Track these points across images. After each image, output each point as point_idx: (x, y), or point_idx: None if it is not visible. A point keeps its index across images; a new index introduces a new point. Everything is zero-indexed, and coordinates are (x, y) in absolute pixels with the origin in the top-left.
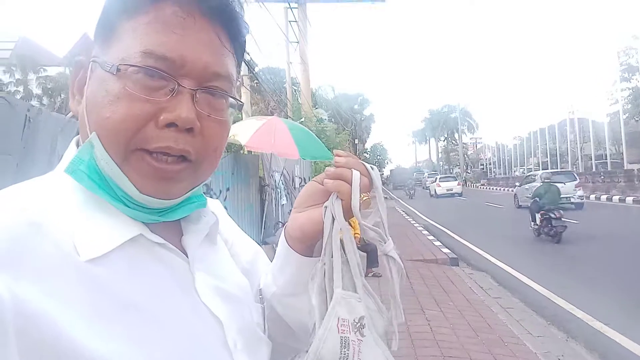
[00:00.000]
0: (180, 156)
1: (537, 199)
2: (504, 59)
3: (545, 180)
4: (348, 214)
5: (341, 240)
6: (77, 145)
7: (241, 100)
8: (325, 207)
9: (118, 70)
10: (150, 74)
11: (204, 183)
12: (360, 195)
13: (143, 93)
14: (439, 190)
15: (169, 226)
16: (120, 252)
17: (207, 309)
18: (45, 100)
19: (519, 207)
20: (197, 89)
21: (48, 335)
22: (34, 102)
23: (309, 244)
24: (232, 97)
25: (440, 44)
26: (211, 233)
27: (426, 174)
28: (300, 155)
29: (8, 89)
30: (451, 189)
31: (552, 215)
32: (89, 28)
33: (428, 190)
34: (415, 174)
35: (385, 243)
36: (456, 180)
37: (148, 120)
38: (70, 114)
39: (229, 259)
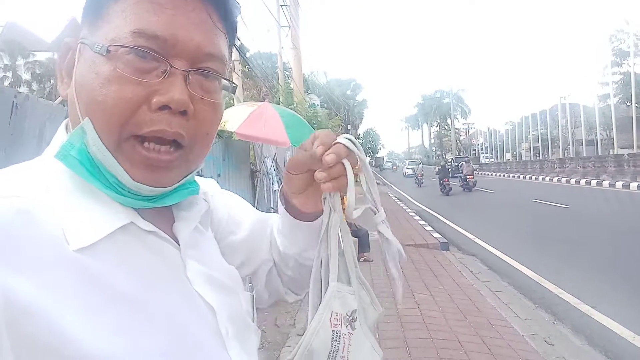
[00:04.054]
0: (173, 141)
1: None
2: (496, 44)
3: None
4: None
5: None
6: (67, 129)
7: (234, 82)
8: (324, 198)
9: (108, 51)
10: (141, 54)
11: (197, 170)
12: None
13: (134, 75)
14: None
15: (161, 212)
16: (111, 240)
17: (199, 296)
18: (34, 86)
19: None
20: (190, 70)
21: (40, 328)
22: (23, 88)
23: (313, 213)
24: (225, 78)
25: (433, 29)
26: (202, 221)
27: (391, 160)
28: (291, 142)
29: None
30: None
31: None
32: (77, 12)
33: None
34: (387, 159)
35: (376, 213)
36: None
37: (141, 103)
38: (58, 100)
39: (218, 248)
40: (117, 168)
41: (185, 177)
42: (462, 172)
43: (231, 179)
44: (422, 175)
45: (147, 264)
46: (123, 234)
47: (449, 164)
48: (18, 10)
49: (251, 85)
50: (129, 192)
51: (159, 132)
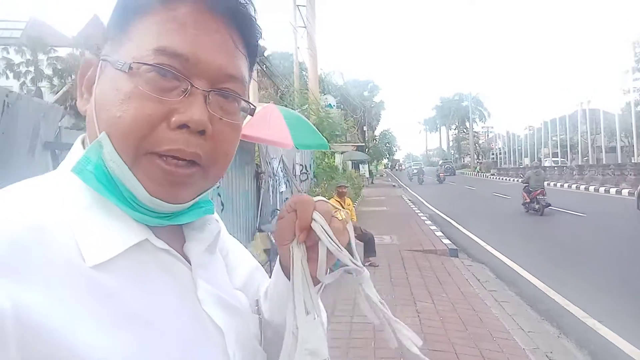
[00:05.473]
0: (191, 160)
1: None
2: (517, 48)
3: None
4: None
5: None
6: (83, 144)
7: (253, 104)
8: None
9: (130, 68)
10: (162, 73)
11: (212, 188)
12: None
13: (155, 93)
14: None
15: (172, 232)
16: (126, 257)
17: (208, 317)
18: (55, 81)
19: None
20: (210, 91)
21: (52, 345)
22: (45, 83)
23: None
24: (245, 100)
25: (453, 31)
26: (213, 242)
27: (407, 163)
28: (294, 144)
29: (19, 69)
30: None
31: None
32: (99, 9)
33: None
34: (400, 163)
35: (357, 273)
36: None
37: (160, 120)
38: (53, 100)
39: (225, 270)
40: (134, 182)
41: (201, 194)
42: (438, 171)
43: (235, 179)
44: (414, 173)
45: (159, 283)
46: (138, 251)
47: (440, 165)
48: (41, 6)
49: (268, 84)
50: (144, 208)
51: (176, 151)
